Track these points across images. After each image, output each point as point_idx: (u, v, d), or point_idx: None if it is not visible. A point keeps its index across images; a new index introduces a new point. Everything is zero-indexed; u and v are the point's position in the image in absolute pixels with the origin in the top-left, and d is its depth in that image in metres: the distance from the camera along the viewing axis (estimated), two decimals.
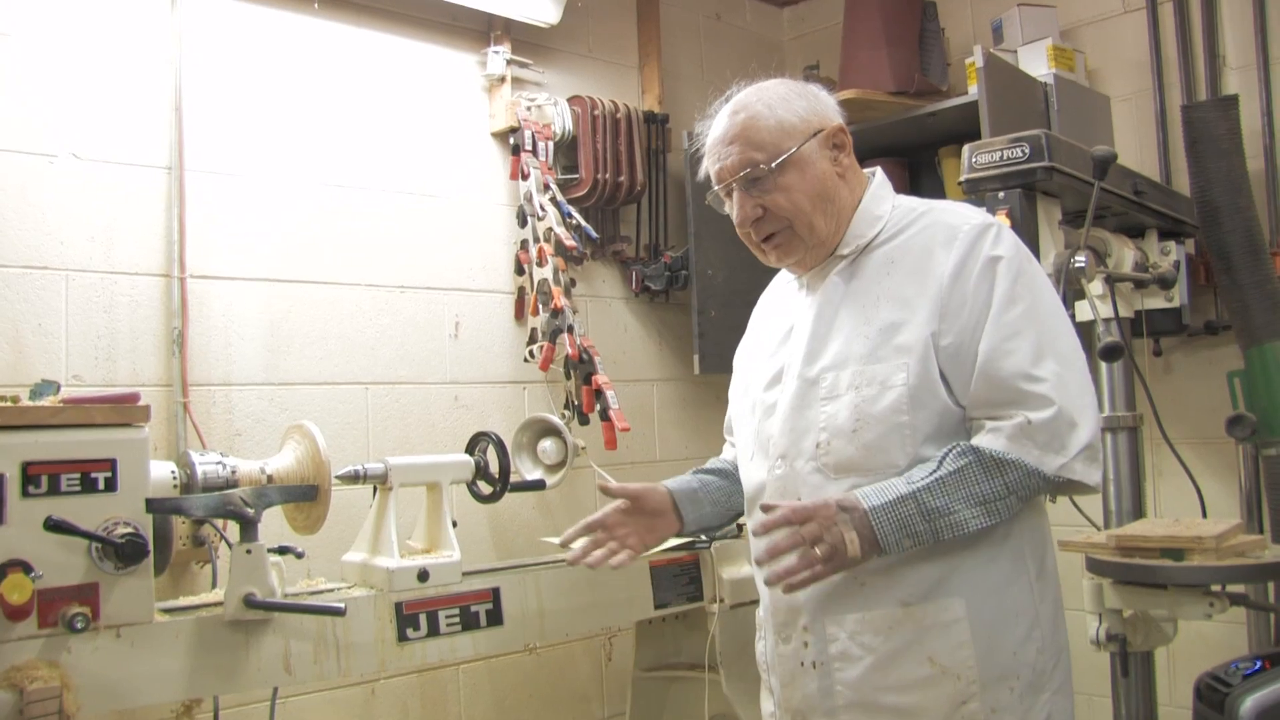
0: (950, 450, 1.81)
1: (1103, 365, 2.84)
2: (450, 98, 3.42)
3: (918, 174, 4.01)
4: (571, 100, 3.57)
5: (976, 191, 2.52)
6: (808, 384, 1.95)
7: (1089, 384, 1.86)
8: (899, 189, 3.77)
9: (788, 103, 1.98)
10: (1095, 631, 2.43)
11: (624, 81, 3.90)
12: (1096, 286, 2.70)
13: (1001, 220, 2.05)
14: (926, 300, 1.86)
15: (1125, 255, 2.86)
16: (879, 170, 2.08)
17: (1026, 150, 2.45)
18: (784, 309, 2.12)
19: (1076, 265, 2.49)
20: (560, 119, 3.48)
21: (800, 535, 1.77)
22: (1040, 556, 1.94)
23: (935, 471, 1.80)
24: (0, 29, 2.64)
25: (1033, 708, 1.85)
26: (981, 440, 1.82)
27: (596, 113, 3.56)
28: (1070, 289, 2.52)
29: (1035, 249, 2.48)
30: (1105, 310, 2.78)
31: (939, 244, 1.89)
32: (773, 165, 1.93)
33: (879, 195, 2.03)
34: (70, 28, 2.73)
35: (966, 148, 2.55)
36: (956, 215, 1.95)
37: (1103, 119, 3.51)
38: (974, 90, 3.30)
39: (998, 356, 1.82)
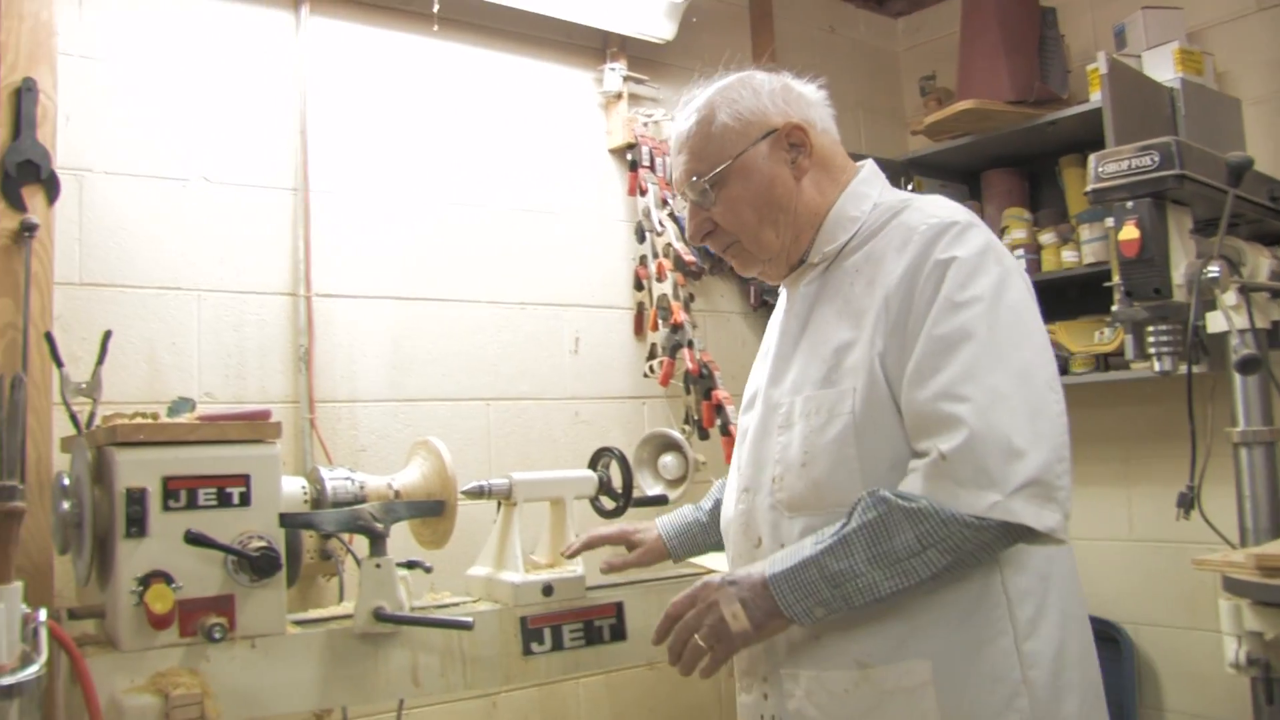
0: (859, 501, 1.58)
1: (1237, 378, 2.75)
2: (567, 115, 3.45)
3: (1037, 184, 3.95)
4: None
5: (1103, 201, 2.46)
6: (770, 410, 1.79)
7: (1047, 409, 1.56)
8: (1017, 200, 3.79)
9: (734, 105, 1.77)
10: (1234, 655, 2.34)
11: None
12: (1231, 297, 2.61)
13: (971, 218, 1.70)
14: (873, 315, 1.65)
15: (1261, 264, 2.76)
16: (868, 164, 1.86)
17: (1156, 158, 2.38)
18: (774, 320, 1.95)
19: (1209, 275, 2.41)
20: None
21: (682, 628, 1.64)
22: (1034, 615, 1.63)
23: (842, 528, 1.57)
24: (132, 60, 2.73)
25: None
26: (903, 484, 1.58)
27: None
28: (1202, 300, 2.44)
29: (1165, 260, 2.41)
30: (1240, 321, 2.68)
31: (894, 248, 1.67)
32: (709, 177, 1.76)
33: (858, 194, 1.79)
34: (198, 56, 2.81)
35: (1093, 157, 2.49)
36: (921, 214, 1.70)
37: (1233, 123, 3.41)
38: (1096, 97, 3.23)
39: (922, 375, 1.57)
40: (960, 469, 1.51)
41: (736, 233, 1.80)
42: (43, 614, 1.29)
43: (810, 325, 1.77)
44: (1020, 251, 3.62)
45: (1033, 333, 1.62)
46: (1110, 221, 2.78)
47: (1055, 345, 3.41)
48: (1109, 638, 3.55)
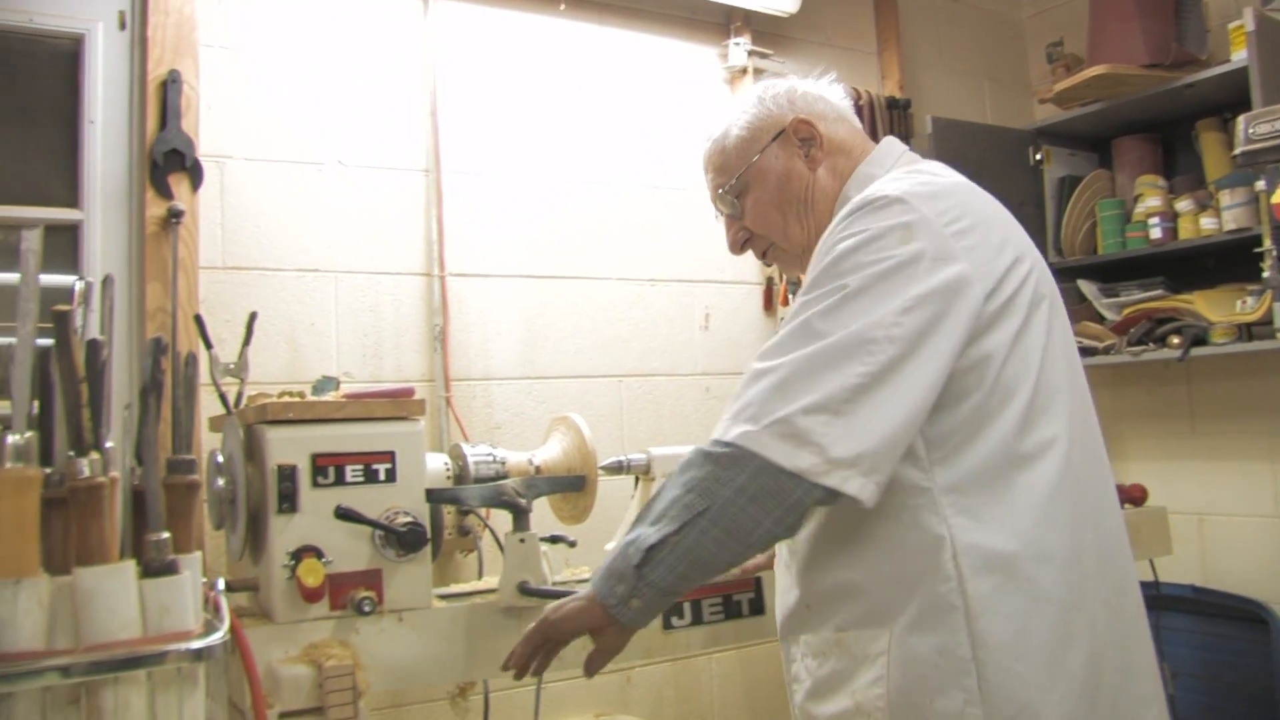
0: None
1: None
2: (693, 91, 3.44)
3: (1172, 149, 3.82)
4: None
5: (1254, 164, 2.40)
6: None
7: (844, 368, 1.47)
8: (1150, 167, 3.69)
9: (742, 117, 1.85)
10: None
11: (864, 68, 3.85)
12: None
13: (905, 195, 1.59)
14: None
15: None
16: (885, 142, 1.85)
17: None
18: None
19: None
20: None
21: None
22: (991, 594, 1.52)
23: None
24: (268, 49, 2.79)
25: None
26: None
27: None
28: None
29: None
30: None
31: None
32: (731, 184, 1.83)
33: (862, 176, 1.78)
34: (331, 42, 2.87)
35: (1242, 119, 2.42)
36: (865, 194, 1.64)
37: None
38: (1239, 57, 3.12)
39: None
40: (732, 405, 1.51)
41: (768, 234, 1.85)
42: (220, 583, 1.33)
43: None
44: (1156, 220, 3.52)
45: (876, 305, 1.51)
46: (1261, 184, 2.68)
47: (1193, 315, 3.36)
48: (1256, 618, 3.44)
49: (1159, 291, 3.54)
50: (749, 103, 1.86)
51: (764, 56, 3.49)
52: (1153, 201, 3.56)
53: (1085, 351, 3.67)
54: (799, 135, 1.81)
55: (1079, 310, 3.77)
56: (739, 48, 3.43)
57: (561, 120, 3.18)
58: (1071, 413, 1.61)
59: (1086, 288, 3.78)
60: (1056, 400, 1.59)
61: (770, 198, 1.82)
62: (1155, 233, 3.52)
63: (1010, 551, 1.53)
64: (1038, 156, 3.89)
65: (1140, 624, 1.69)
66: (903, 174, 1.71)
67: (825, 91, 1.89)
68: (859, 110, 3.52)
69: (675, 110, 3.39)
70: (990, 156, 3.79)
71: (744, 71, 3.44)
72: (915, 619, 1.55)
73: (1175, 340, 3.37)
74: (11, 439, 1.10)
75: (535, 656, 1.71)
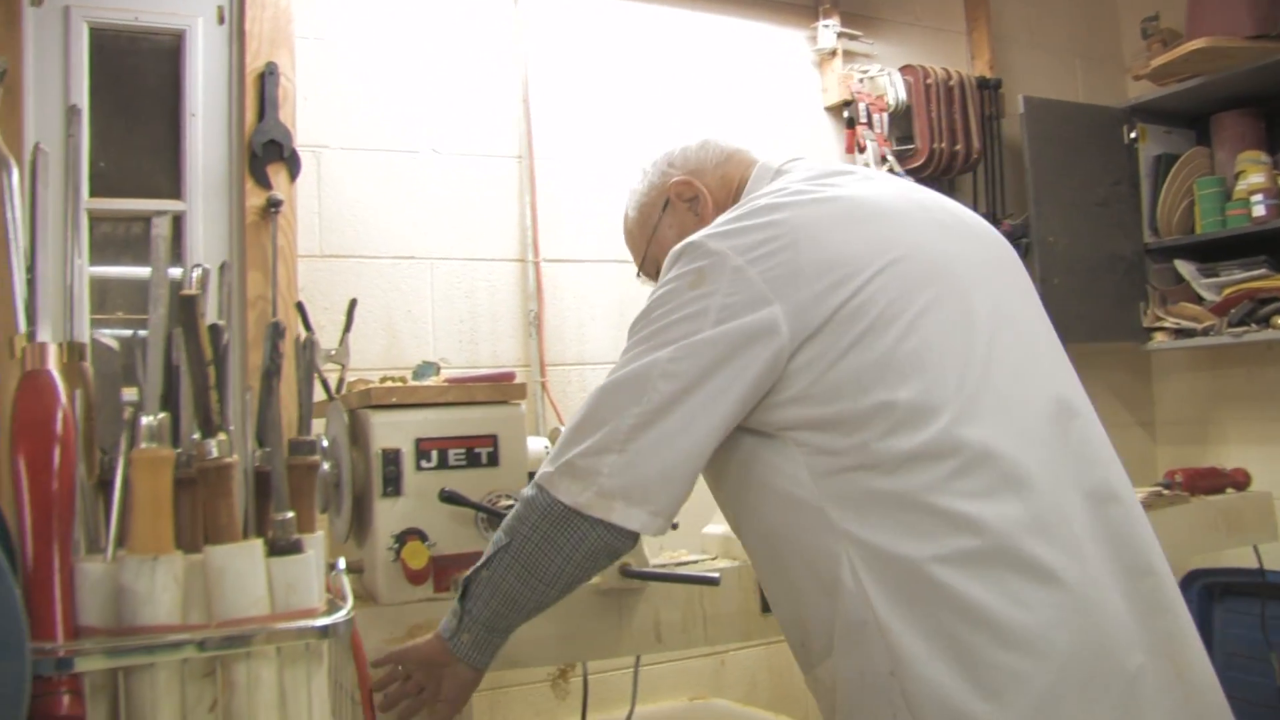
0: None
1: None
2: (782, 74, 3.43)
3: (1275, 126, 3.73)
4: (903, 70, 3.50)
5: None
6: None
7: (623, 410, 1.49)
8: (1253, 143, 3.61)
9: (634, 198, 1.93)
10: None
11: (953, 48, 3.80)
12: None
13: (707, 238, 1.54)
14: None
15: None
16: (757, 168, 1.84)
17: None
18: None
19: None
20: (893, 90, 3.43)
21: None
22: (895, 595, 1.41)
23: None
24: (361, 40, 2.82)
25: None
26: None
27: (929, 81, 3.48)
28: None
29: None
30: None
31: None
32: (643, 266, 1.95)
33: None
34: (422, 31, 2.90)
35: None
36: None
37: None
38: None
39: None
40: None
41: None
42: (341, 562, 1.36)
43: None
44: (1259, 197, 3.44)
45: (665, 330, 1.51)
46: None
47: None
48: None
49: (1262, 271, 3.46)
50: (638, 182, 1.94)
51: (853, 38, 3.47)
52: (1256, 178, 3.48)
53: (1183, 333, 3.61)
54: (682, 198, 1.86)
55: (1176, 290, 3.70)
56: (828, 30, 3.40)
57: (652, 105, 3.18)
58: (977, 400, 1.45)
59: (1184, 268, 3.71)
60: (943, 390, 1.44)
61: None
62: (1258, 210, 3.43)
63: (909, 555, 1.41)
64: (1132, 135, 3.82)
65: (1165, 619, 1.49)
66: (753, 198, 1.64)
67: (713, 138, 1.91)
68: (948, 91, 3.50)
69: (765, 94, 3.38)
70: (1083, 136, 3.73)
71: (833, 54, 3.42)
72: (842, 642, 1.46)
73: None
74: (146, 420, 1.12)
75: (388, 685, 1.75)
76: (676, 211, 1.87)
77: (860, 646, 1.42)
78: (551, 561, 1.53)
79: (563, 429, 1.62)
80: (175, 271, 2.41)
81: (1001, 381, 1.48)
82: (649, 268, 1.93)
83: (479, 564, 1.61)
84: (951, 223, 1.63)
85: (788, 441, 1.48)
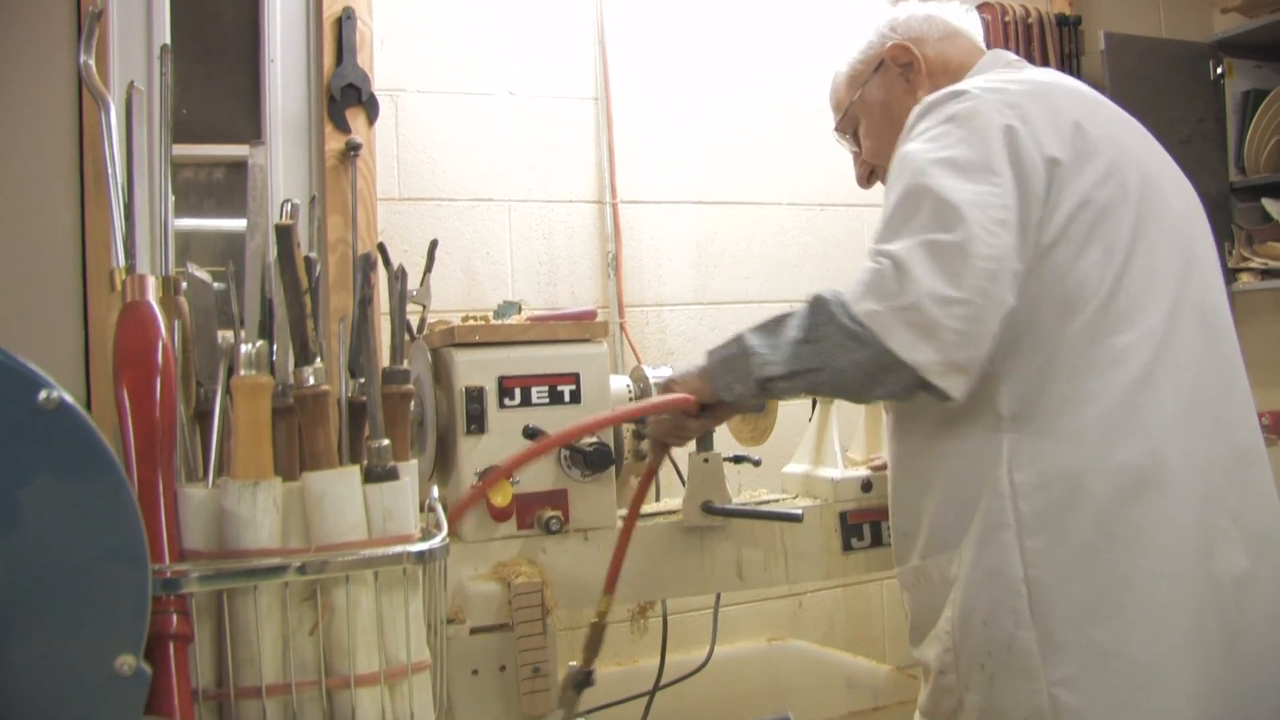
0: None
1: None
2: (858, 8, 3.36)
3: None
4: (981, 8, 3.43)
5: None
6: None
7: (970, 248, 1.41)
8: None
9: (848, 55, 1.92)
10: None
11: None
12: None
13: (977, 87, 1.58)
14: None
15: None
16: (991, 53, 1.82)
17: None
18: None
19: None
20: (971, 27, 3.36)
21: None
22: (1048, 501, 1.47)
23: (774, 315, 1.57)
24: None
25: (1012, 695, 1.47)
26: None
27: (1007, 19, 3.42)
28: None
29: None
30: None
31: None
32: (842, 120, 1.93)
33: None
34: None
35: None
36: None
37: None
38: None
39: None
40: (866, 277, 1.46)
41: (883, 163, 1.84)
42: (435, 491, 1.37)
43: None
44: None
45: (978, 168, 1.47)
46: None
47: None
48: None
49: None
50: (855, 39, 1.92)
51: None
52: None
53: (1270, 274, 3.53)
54: (897, 62, 1.83)
55: (1264, 230, 3.61)
56: None
57: (727, 43, 3.15)
58: (1172, 321, 1.52)
59: (1272, 206, 3.62)
60: (1144, 308, 1.50)
61: (877, 128, 1.86)
62: None
63: (1073, 466, 1.47)
64: (1219, 70, 3.72)
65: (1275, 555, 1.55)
66: (988, 77, 1.66)
67: (939, 11, 1.88)
68: (1027, 29, 3.42)
69: (840, 29, 3.32)
70: (1167, 73, 3.64)
71: None
72: (977, 539, 1.53)
73: None
74: (245, 348, 1.14)
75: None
76: (888, 75, 1.85)
77: (997, 547, 1.49)
78: (871, 391, 1.49)
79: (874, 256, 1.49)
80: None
81: (1194, 305, 1.57)
82: (846, 124, 1.94)
83: (780, 369, 1.51)
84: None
85: None
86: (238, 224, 2.59)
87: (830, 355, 1.46)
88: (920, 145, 1.53)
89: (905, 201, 1.48)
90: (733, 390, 1.58)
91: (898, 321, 1.40)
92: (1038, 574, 1.46)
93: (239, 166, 2.69)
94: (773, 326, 1.54)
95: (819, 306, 1.48)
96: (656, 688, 2.33)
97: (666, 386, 1.73)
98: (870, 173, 1.95)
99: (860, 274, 1.47)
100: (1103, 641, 1.44)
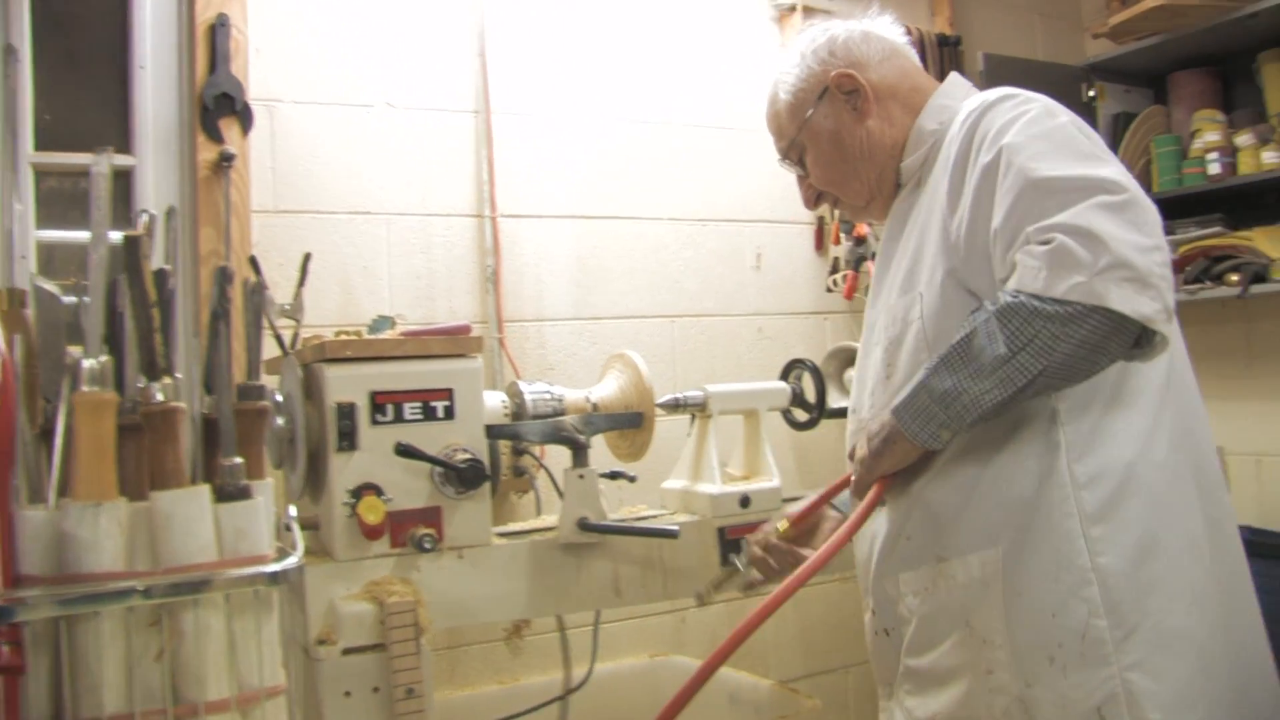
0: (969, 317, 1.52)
1: None
2: (741, 29, 3.40)
3: (1230, 84, 3.73)
4: None
5: None
6: (867, 329, 1.83)
7: (1133, 200, 1.43)
8: (1209, 101, 3.61)
9: (787, 78, 1.85)
10: None
11: (914, 5, 3.77)
12: None
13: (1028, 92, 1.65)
14: (939, 206, 1.63)
15: None
16: (951, 77, 1.84)
17: None
18: None
19: None
20: None
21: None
22: (1108, 498, 1.52)
23: (948, 348, 1.51)
24: None
25: (1085, 684, 1.49)
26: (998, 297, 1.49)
27: None
28: None
29: None
30: None
31: (950, 140, 1.66)
32: (788, 147, 1.87)
33: (936, 108, 1.77)
34: None
35: None
36: (971, 101, 1.68)
37: None
38: None
39: (983, 207, 1.53)
40: (1046, 258, 1.41)
41: (832, 190, 1.87)
42: (292, 510, 1.33)
43: (899, 241, 1.77)
44: (1215, 155, 3.44)
45: (1083, 138, 1.55)
46: None
47: (1252, 252, 3.30)
48: None
49: (1217, 229, 3.47)
50: (793, 60, 1.86)
51: None
52: (1211, 136, 3.49)
53: None
54: (842, 90, 1.80)
55: None
56: None
57: (610, 59, 3.15)
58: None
59: None
60: None
61: (826, 156, 1.83)
62: (1214, 168, 3.44)
63: (1126, 457, 1.53)
64: (1091, 93, 3.82)
65: (1239, 546, 1.69)
66: (1002, 91, 1.68)
67: (874, 29, 1.86)
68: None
69: (723, 48, 3.35)
70: (1042, 94, 3.71)
71: (793, 9, 3.39)
72: (1027, 533, 1.54)
73: (1234, 278, 3.30)
74: (87, 363, 1.10)
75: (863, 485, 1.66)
76: (834, 103, 1.81)
77: (1060, 538, 1.51)
78: (1097, 365, 1.47)
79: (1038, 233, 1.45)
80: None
81: None
82: (792, 152, 1.89)
83: (999, 393, 1.46)
84: None
85: None
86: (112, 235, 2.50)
87: (1048, 350, 1.42)
88: (1024, 138, 1.53)
89: (1043, 186, 1.47)
90: (940, 438, 1.53)
91: (1109, 281, 1.37)
92: (1105, 561, 1.50)
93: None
94: (957, 362, 1.49)
95: (1008, 313, 1.44)
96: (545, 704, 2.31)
97: (868, 460, 1.64)
98: (818, 196, 1.93)
99: (1028, 261, 1.43)
100: (1169, 624, 1.50)
